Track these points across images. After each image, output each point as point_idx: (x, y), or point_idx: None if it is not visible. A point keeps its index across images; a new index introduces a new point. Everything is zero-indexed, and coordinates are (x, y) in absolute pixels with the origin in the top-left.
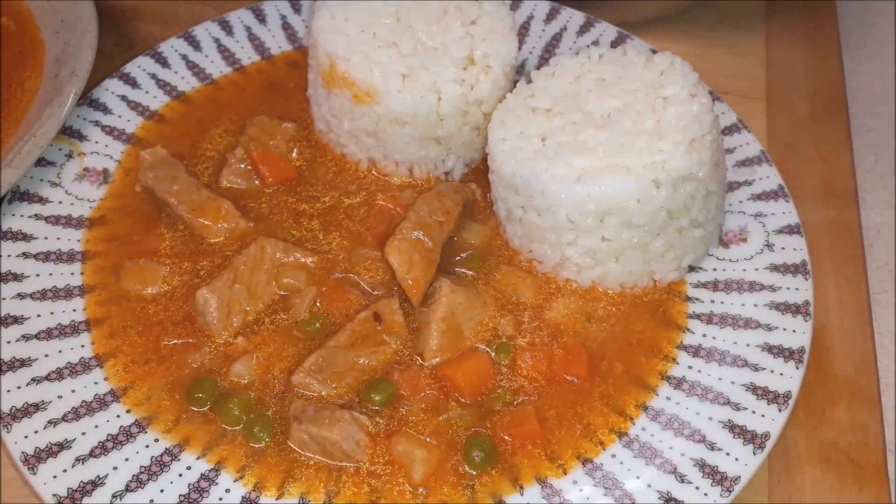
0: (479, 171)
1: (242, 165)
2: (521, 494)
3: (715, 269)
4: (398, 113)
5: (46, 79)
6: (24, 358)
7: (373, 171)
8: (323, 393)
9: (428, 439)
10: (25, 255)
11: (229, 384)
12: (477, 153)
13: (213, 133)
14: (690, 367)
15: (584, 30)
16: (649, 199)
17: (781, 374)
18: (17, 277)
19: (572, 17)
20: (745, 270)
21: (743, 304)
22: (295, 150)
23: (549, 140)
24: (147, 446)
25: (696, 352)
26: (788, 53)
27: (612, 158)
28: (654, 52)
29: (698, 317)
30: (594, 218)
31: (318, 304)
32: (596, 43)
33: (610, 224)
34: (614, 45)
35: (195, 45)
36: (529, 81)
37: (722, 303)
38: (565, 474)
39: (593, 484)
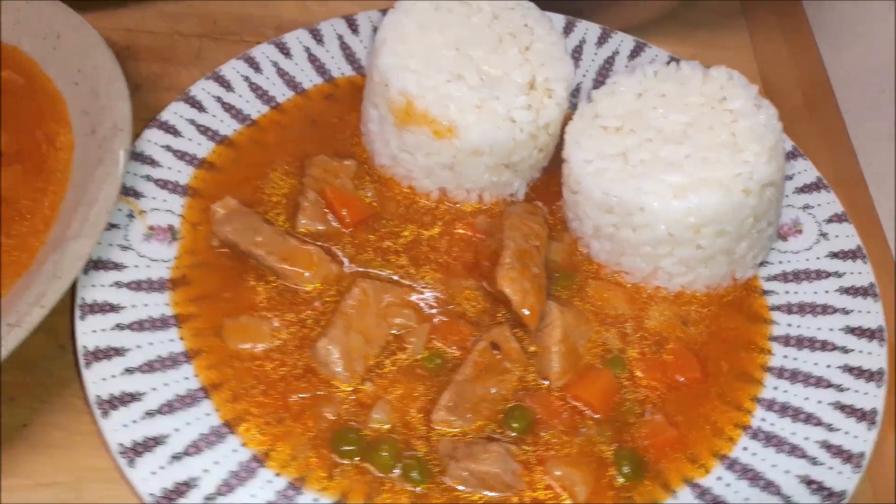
0: (535, 188)
1: (316, 208)
2: (675, 498)
3: (780, 262)
4: (477, 145)
5: (80, 135)
6: (155, 437)
7: (444, 202)
8: (464, 427)
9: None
10: (119, 326)
11: (371, 431)
12: (537, 172)
13: (271, 177)
14: (786, 357)
15: (635, 53)
16: (740, 208)
17: (870, 354)
18: (118, 352)
19: (623, 42)
20: (807, 260)
21: (815, 292)
22: (369, 190)
23: (630, 158)
24: None
25: (786, 341)
26: (772, 47)
27: (701, 173)
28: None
29: (779, 308)
30: (692, 230)
31: (432, 339)
32: (614, 54)
33: (706, 234)
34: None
35: (227, 85)
36: (590, 101)
37: (796, 293)
38: (708, 473)
39: (736, 478)
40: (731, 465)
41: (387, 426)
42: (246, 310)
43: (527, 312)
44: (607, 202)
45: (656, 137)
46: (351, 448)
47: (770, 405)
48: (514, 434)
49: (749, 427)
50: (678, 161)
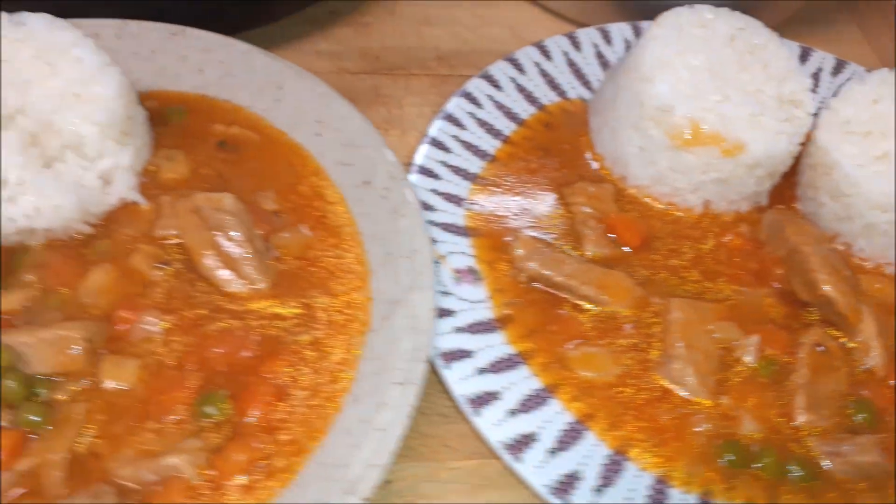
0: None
1: (597, 233)
2: None
3: None
4: (760, 158)
5: (349, 187)
6: (568, 473)
7: (707, 215)
8: (825, 424)
9: None
10: (481, 370)
11: (745, 440)
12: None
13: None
14: None
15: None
16: None
17: None
18: (494, 396)
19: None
20: None
21: None
22: (632, 211)
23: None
24: None
25: None
26: (885, 39)
27: None
28: None
29: None
30: None
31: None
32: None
33: None
34: None
35: (458, 124)
36: (828, 110)
37: None
38: None
39: None
40: None
41: (757, 433)
42: (576, 339)
43: (850, 312)
44: (884, 201)
45: None
46: (737, 457)
47: None
48: (863, 423)
49: None
50: None
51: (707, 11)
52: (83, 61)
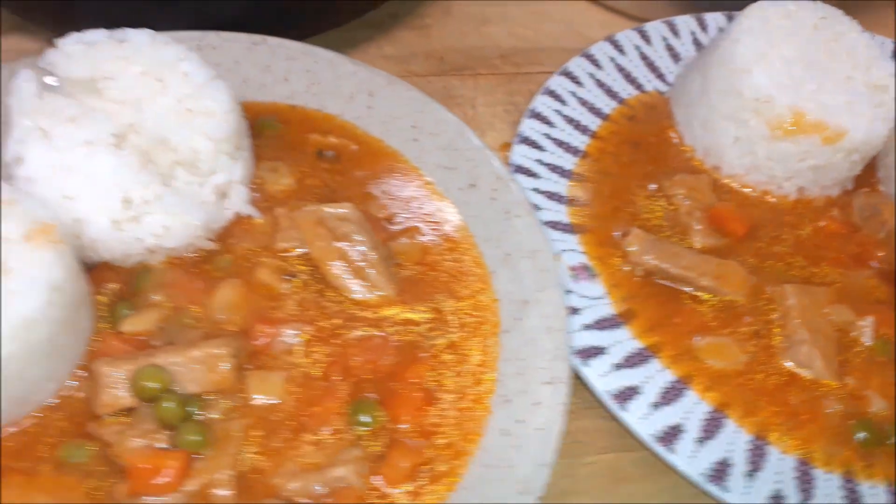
0: None
1: (704, 224)
2: None
3: None
4: (858, 145)
5: (455, 190)
6: (720, 461)
7: (800, 201)
8: None
9: None
10: (617, 366)
11: (876, 418)
12: None
13: (638, 203)
14: None
15: None
16: None
17: None
18: (635, 391)
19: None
20: None
21: None
22: (728, 201)
23: None
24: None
25: None
26: None
27: None
28: None
29: None
30: None
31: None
32: None
33: None
34: None
35: (547, 122)
36: None
37: None
38: None
39: None
40: None
41: (888, 411)
42: (700, 330)
43: None
44: None
45: None
46: (871, 436)
47: None
48: None
49: None
50: None
51: (789, 3)
52: (191, 76)
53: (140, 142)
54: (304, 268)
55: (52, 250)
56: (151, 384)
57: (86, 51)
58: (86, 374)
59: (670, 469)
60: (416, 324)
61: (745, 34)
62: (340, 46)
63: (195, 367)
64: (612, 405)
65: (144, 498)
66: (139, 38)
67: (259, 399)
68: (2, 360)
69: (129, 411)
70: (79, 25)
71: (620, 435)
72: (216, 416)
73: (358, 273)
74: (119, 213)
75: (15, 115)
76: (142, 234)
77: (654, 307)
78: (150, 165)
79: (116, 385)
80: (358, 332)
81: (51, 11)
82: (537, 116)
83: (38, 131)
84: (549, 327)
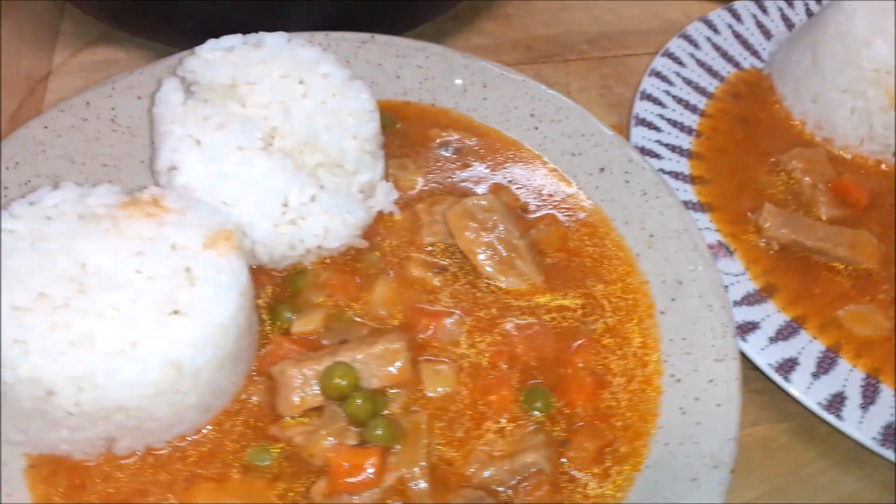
0: None
1: (829, 197)
2: None
3: None
4: None
5: (582, 174)
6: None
7: None
8: None
9: None
10: (771, 339)
11: None
12: None
13: (760, 179)
14: None
15: None
16: None
17: None
18: (795, 361)
19: None
20: None
21: None
22: (845, 172)
23: None
24: None
25: None
26: None
27: None
28: None
29: None
30: None
31: None
32: None
33: None
34: None
35: (658, 102)
36: None
37: None
38: None
39: None
40: None
41: None
42: (840, 299)
43: None
44: None
45: None
46: None
47: None
48: None
49: None
50: None
51: None
52: (331, 76)
53: (286, 145)
54: (451, 260)
55: (235, 255)
56: (342, 382)
57: (224, 56)
58: (261, 378)
59: (819, 437)
60: (571, 310)
61: (862, 7)
62: (430, 41)
63: (375, 362)
64: (777, 378)
65: (345, 496)
66: (275, 42)
67: (434, 391)
68: (197, 368)
69: (311, 412)
70: (175, 32)
71: (767, 406)
72: (398, 411)
73: (506, 263)
74: (279, 217)
75: (166, 125)
76: (303, 235)
77: (794, 280)
78: (301, 169)
79: (303, 386)
80: (515, 321)
81: (146, 20)
82: (648, 98)
83: (189, 139)
84: (709, 305)
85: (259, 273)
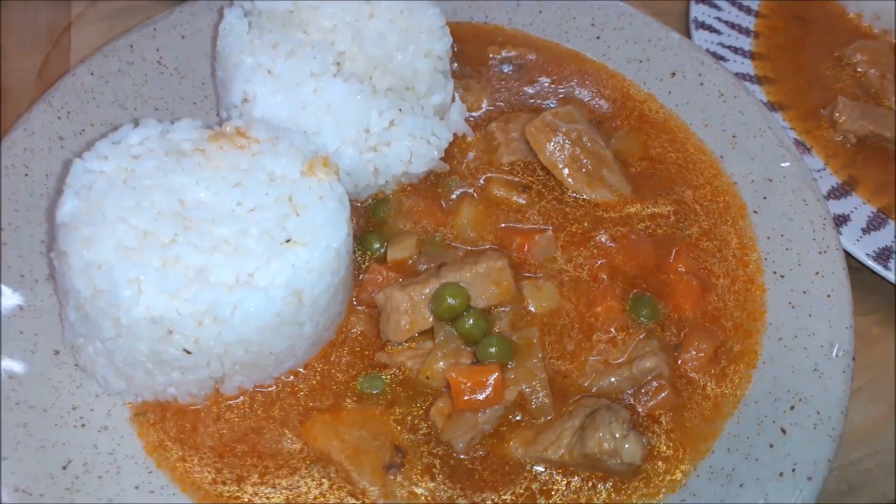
0: None
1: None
2: None
3: None
4: None
5: (655, 81)
6: None
7: None
8: None
9: None
10: (863, 230)
11: None
12: None
13: (825, 73)
14: None
15: None
16: None
17: None
18: (889, 249)
19: None
20: None
21: None
22: None
23: None
24: None
25: None
26: None
27: None
28: None
29: None
30: None
31: None
32: None
33: None
34: None
35: (714, 6)
36: None
37: None
38: None
39: None
40: None
41: None
42: None
43: None
44: None
45: None
46: None
47: None
48: None
49: None
50: None
51: None
52: None
53: (356, 69)
54: (534, 178)
55: (334, 181)
56: (454, 301)
57: None
58: (363, 308)
59: None
60: (664, 217)
61: None
62: None
63: (480, 282)
64: (877, 267)
65: (468, 414)
66: None
67: (539, 307)
68: (315, 296)
69: (417, 337)
70: None
71: (855, 298)
72: (507, 328)
73: (593, 175)
74: (362, 143)
75: (235, 55)
76: (389, 161)
77: (875, 171)
78: (375, 93)
79: (411, 310)
80: (609, 233)
81: None
82: (703, 0)
83: (261, 69)
84: (804, 199)
85: None
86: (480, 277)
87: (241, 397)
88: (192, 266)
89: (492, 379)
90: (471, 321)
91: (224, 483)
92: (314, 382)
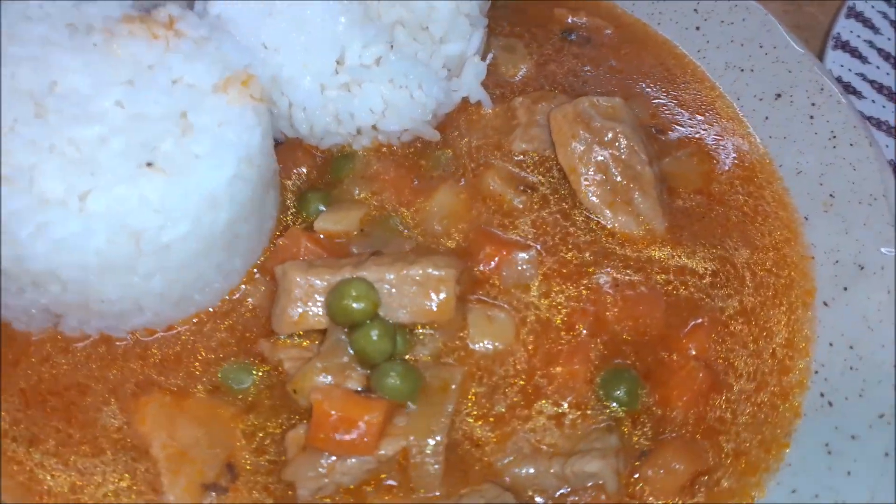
0: None
1: None
2: None
3: None
4: None
5: (751, 99)
6: None
7: None
8: None
9: None
10: None
11: None
12: None
13: None
14: None
15: None
16: None
17: None
18: None
19: None
20: None
21: None
22: None
23: None
24: None
25: None
26: None
27: None
28: None
29: None
30: None
31: None
32: None
33: None
34: None
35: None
36: None
37: None
38: None
39: None
40: None
41: None
42: None
43: None
44: None
45: None
46: None
47: None
48: None
49: None
50: None
51: None
52: None
53: None
54: (545, 178)
55: (248, 108)
56: (357, 305)
57: None
58: (264, 279)
59: None
60: (697, 275)
61: None
62: None
63: (410, 289)
64: None
65: (324, 457)
66: None
67: (482, 343)
68: (162, 245)
69: (315, 335)
70: None
71: None
72: (426, 358)
73: (621, 193)
74: (328, 75)
75: None
76: (355, 107)
77: None
78: (372, 21)
79: (309, 298)
80: (614, 274)
81: None
82: (857, 16)
83: None
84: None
85: (296, 147)
86: (412, 283)
87: (84, 342)
88: (16, 164)
89: (367, 419)
90: (372, 335)
91: (14, 439)
92: (170, 352)
